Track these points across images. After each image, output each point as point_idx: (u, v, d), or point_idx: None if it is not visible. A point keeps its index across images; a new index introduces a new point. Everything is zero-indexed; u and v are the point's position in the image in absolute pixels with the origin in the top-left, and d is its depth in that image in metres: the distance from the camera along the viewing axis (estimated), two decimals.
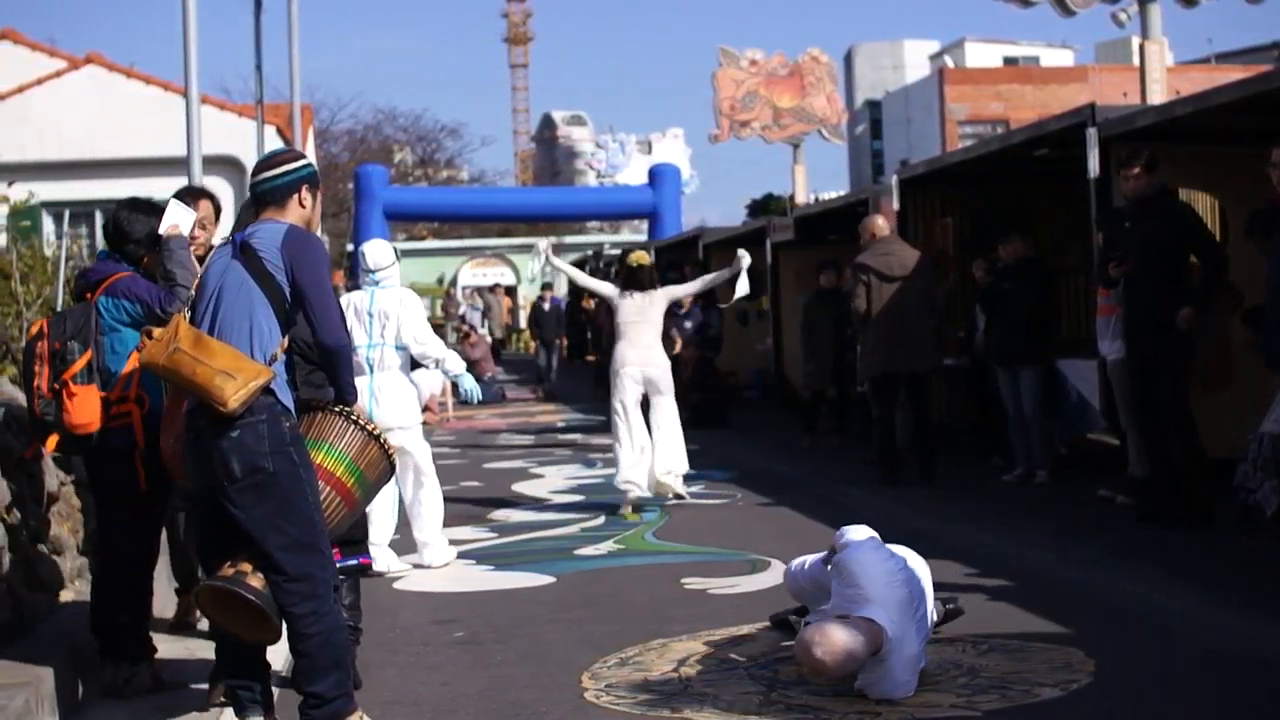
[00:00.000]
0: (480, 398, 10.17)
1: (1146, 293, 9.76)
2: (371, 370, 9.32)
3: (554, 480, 13.95)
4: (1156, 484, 10.01)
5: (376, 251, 9.62)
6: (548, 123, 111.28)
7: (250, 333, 5.47)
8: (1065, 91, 46.67)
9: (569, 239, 56.53)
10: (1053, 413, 12.55)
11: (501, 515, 11.84)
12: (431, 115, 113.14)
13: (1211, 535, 9.37)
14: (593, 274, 24.18)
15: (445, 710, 6.17)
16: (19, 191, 12.10)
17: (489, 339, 32.32)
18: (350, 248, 36.61)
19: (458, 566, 9.64)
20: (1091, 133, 11.33)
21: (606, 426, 12.57)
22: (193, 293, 6.24)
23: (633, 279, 11.93)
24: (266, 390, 5.40)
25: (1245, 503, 9.24)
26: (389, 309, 9.43)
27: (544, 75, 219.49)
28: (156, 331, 5.57)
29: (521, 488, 13.49)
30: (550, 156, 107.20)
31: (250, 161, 24.39)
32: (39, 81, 27.60)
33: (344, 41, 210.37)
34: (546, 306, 29.03)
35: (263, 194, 5.74)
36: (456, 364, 9.76)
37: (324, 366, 5.76)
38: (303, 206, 5.74)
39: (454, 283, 52.48)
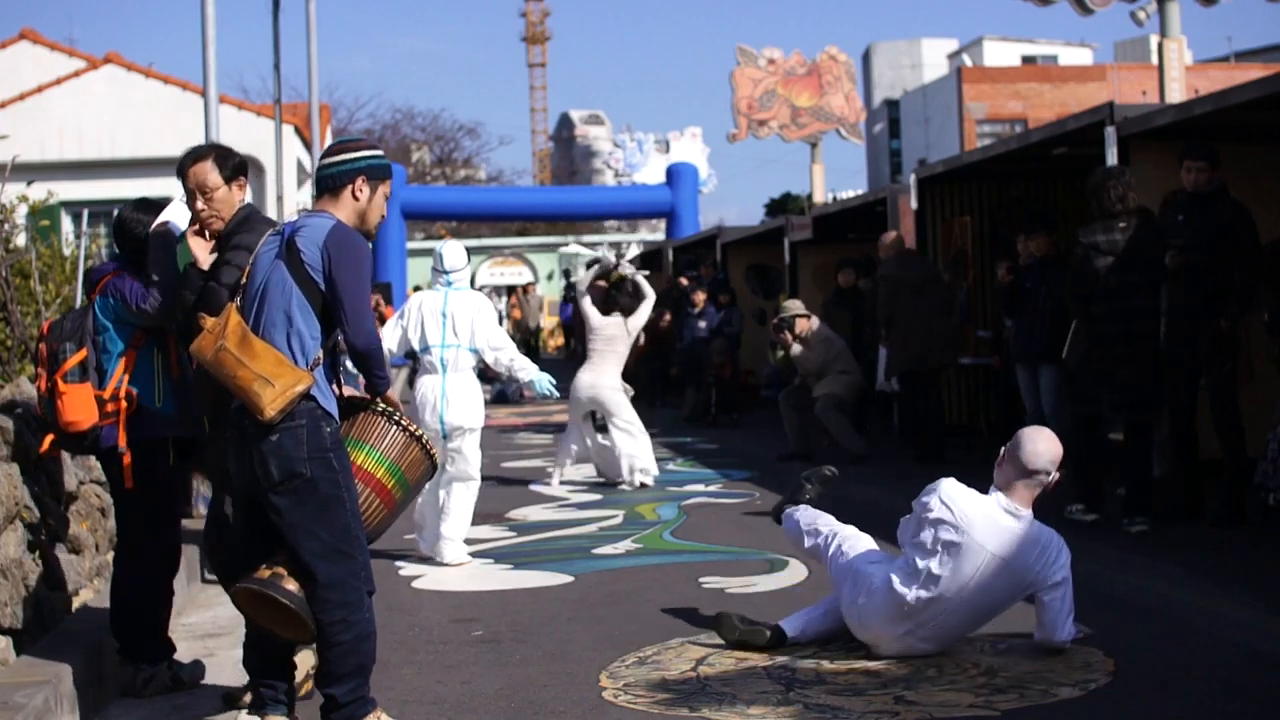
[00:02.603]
0: (556, 393, 10.45)
1: (1189, 289, 9.70)
2: (445, 370, 9.58)
3: (572, 479, 13.95)
4: (1176, 483, 9.98)
5: (453, 253, 10.05)
6: (566, 122, 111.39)
7: (290, 335, 5.44)
8: (1084, 90, 46.66)
9: (587, 238, 56.60)
10: None
11: (519, 514, 11.85)
12: (449, 114, 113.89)
13: (1230, 534, 9.34)
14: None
15: (464, 709, 6.17)
16: (38, 191, 12.11)
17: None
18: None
19: (476, 565, 9.65)
20: (1110, 131, 11.29)
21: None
22: (172, 288, 6.33)
23: (613, 300, 14.12)
24: (308, 395, 5.39)
25: (1265, 501, 9.23)
26: (463, 311, 9.83)
27: (562, 75, 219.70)
28: (209, 322, 5.56)
29: (539, 487, 13.51)
30: (568, 156, 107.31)
31: (269, 161, 24.49)
32: (58, 81, 27.67)
33: (363, 41, 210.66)
34: None
35: (319, 181, 5.71)
36: (527, 368, 10.12)
37: (357, 365, 5.70)
38: (356, 198, 5.64)
39: (472, 282, 52.55)
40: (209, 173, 6.26)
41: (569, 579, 9.02)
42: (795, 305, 15.19)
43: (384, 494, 5.77)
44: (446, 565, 9.62)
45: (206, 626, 7.98)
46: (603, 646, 7.11)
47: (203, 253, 6.23)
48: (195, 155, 6.32)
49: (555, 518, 11.69)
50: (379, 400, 5.85)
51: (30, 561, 6.69)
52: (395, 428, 5.80)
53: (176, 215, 6.54)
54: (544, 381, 10.13)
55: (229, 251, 6.16)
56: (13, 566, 6.38)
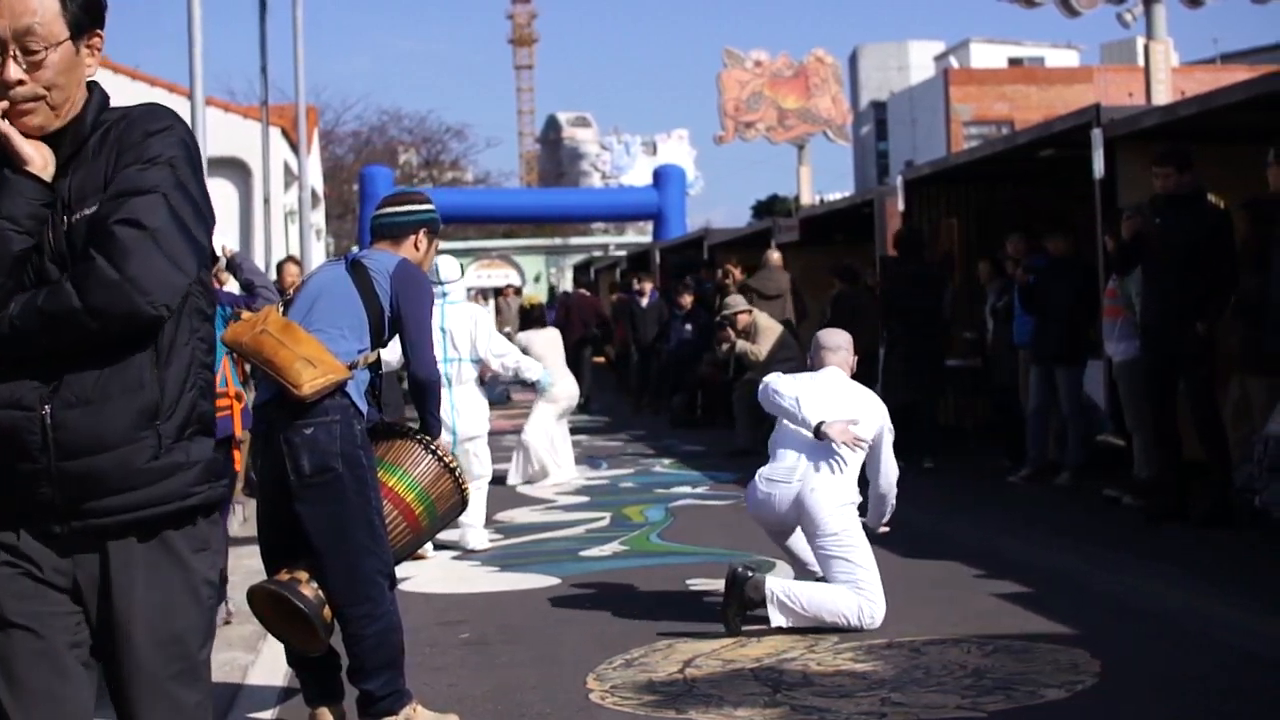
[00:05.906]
0: (553, 385, 11.15)
1: (1166, 292, 9.71)
2: (450, 384, 9.70)
3: (559, 481, 13.95)
4: (1163, 484, 10.00)
5: (447, 266, 10.09)
6: (552, 124, 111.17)
7: (336, 335, 5.58)
8: (1070, 92, 46.69)
9: (574, 240, 56.59)
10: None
11: (507, 516, 11.85)
12: (436, 117, 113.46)
13: (1218, 535, 9.36)
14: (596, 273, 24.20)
15: (451, 711, 6.16)
16: None
17: None
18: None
19: (463, 567, 9.65)
20: (1097, 133, 11.30)
21: (612, 427, 14.25)
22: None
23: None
24: (343, 392, 5.47)
25: (1252, 504, 9.24)
26: (460, 325, 9.99)
27: (549, 77, 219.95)
28: (246, 314, 5.72)
29: (527, 489, 13.50)
30: (555, 158, 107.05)
31: (255, 163, 24.44)
32: None
33: (353, 43, 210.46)
34: (645, 302, 22.70)
35: (382, 227, 6.00)
36: (532, 368, 10.94)
37: (414, 397, 5.90)
38: (417, 249, 5.98)
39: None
40: (44, 5, 2.96)
41: (556, 581, 9.01)
42: (736, 301, 15.40)
43: (410, 519, 5.83)
44: (474, 550, 10.07)
45: None
46: (590, 649, 7.10)
47: (35, 152, 3.00)
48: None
49: (542, 520, 11.69)
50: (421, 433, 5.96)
51: None
52: (431, 457, 5.88)
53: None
54: (547, 380, 11.26)
55: (156, 167, 3.02)
56: None
